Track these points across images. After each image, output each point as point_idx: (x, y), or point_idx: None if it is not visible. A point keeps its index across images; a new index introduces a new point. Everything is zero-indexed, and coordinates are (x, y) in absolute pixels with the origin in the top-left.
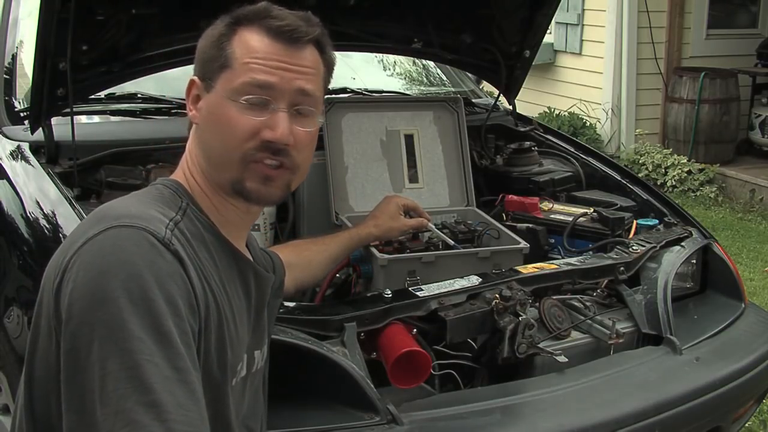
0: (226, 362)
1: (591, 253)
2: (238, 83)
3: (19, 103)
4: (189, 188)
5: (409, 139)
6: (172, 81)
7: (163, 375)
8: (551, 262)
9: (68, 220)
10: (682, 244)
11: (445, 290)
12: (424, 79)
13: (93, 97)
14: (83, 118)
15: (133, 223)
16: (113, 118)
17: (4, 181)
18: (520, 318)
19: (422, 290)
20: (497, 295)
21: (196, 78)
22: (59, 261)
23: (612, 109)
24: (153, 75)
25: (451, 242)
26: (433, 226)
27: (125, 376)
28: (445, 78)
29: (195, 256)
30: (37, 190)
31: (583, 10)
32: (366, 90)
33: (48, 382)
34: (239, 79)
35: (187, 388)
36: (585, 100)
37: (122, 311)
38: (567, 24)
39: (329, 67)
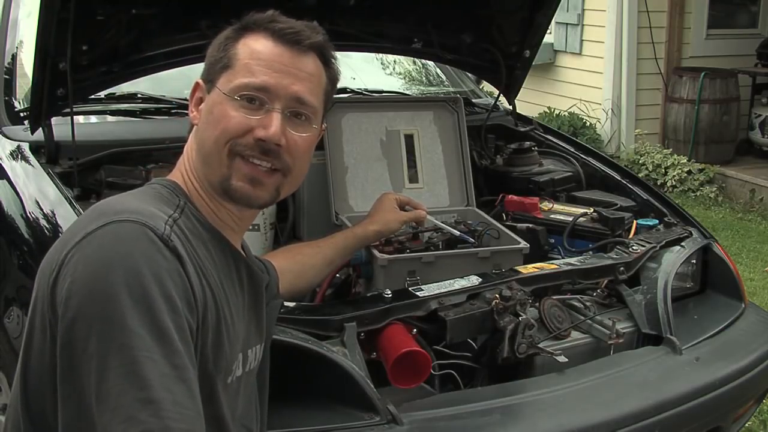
0: (223, 360)
1: (591, 253)
2: (236, 82)
3: (19, 103)
4: (186, 189)
5: (409, 139)
6: (170, 81)
7: (161, 372)
8: (551, 262)
9: (68, 220)
10: (682, 244)
11: (445, 290)
12: (424, 79)
13: (93, 97)
14: (82, 118)
15: (133, 218)
16: (113, 118)
17: (4, 181)
18: (520, 318)
19: (422, 290)
20: (497, 295)
21: (200, 80)
22: (56, 256)
23: (612, 109)
24: (152, 75)
25: (457, 232)
26: (432, 218)
27: (123, 372)
28: (445, 78)
29: (194, 253)
30: (37, 191)
31: (583, 10)
32: (366, 90)
33: (42, 378)
34: (238, 79)
35: (185, 386)
36: (585, 100)
37: (121, 306)
38: (567, 24)
39: (332, 80)
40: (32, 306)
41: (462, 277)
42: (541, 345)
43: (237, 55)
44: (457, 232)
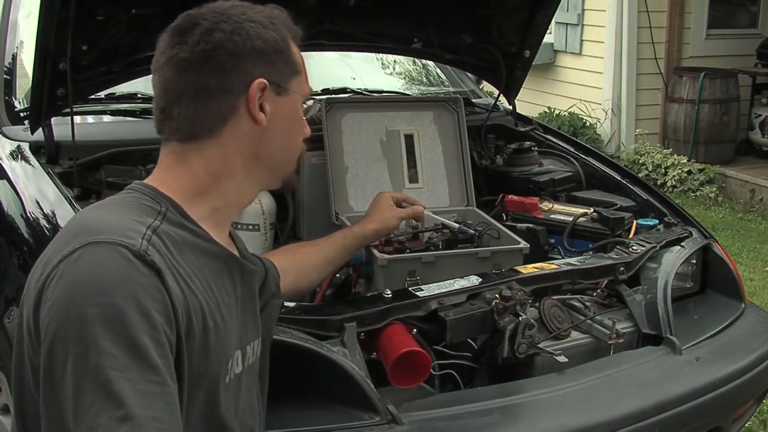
0: (216, 361)
1: (591, 253)
2: (305, 90)
3: (19, 103)
4: (169, 191)
5: (409, 139)
6: None
7: (137, 389)
8: (551, 262)
9: (68, 220)
10: (682, 244)
11: (445, 290)
12: (424, 79)
13: (93, 97)
14: (81, 118)
15: (108, 238)
16: (113, 118)
17: (4, 181)
18: (520, 318)
19: (422, 290)
20: (497, 295)
21: (265, 80)
22: (37, 278)
23: (612, 109)
24: (150, 76)
25: (456, 225)
26: (430, 212)
27: (99, 393)
28: (445, 78)
29: (175, 261)
30: (37, 191)
31: (583, 10)
32: (366, 90)
33: (36, 390)
34: (306, 87)
35: (163, 401)
36: (585, 100)
37: (95, 328)
38: (567, 24)
39: None
40: (18, 321)
41: (462, 277)
42: (541, 345)
43: (297, 61)
44: (456, 225)
